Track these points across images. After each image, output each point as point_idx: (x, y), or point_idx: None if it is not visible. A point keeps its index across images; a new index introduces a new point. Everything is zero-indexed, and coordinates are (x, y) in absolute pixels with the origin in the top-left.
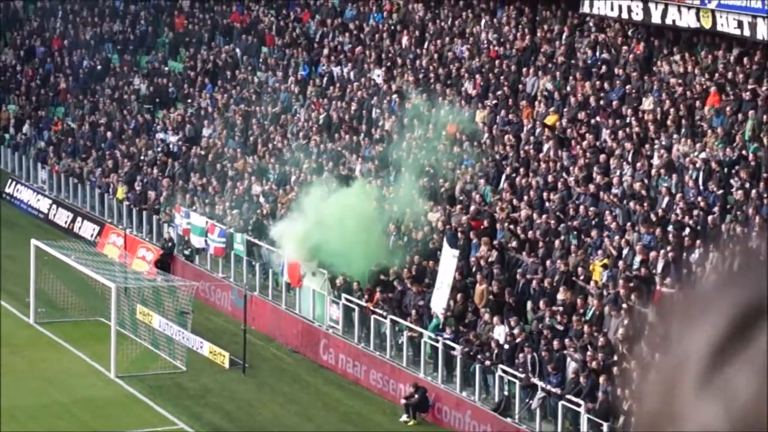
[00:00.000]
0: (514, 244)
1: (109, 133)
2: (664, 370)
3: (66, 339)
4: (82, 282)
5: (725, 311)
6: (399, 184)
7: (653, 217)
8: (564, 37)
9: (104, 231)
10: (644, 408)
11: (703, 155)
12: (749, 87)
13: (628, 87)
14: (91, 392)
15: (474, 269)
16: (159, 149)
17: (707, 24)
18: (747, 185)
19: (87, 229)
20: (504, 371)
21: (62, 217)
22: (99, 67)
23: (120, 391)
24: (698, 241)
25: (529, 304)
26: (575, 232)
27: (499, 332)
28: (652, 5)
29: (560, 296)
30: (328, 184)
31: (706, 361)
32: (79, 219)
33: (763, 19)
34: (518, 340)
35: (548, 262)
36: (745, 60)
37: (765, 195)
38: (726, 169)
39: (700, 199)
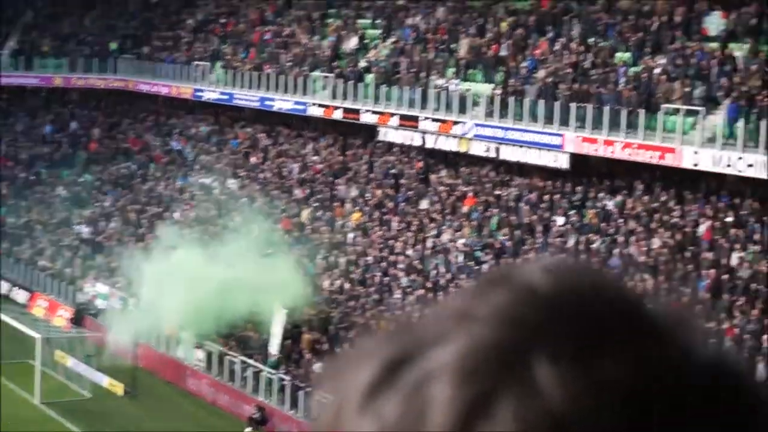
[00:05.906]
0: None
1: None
2: (336, 397)
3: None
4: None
5: (379, 357)
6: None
7: None
8: (367, 156)
9: (33, 297)
10: (319, 425)
11: None
12: None
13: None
14: (19, 413)
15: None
16: (75, 238)
17: None
18: None
19: (21, 296)
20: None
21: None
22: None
23: (42, 413)
24: None
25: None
26: None
27: (318, 367)
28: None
29: None
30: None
31: (363, 392)
32: (15, 288)
33: None
34: None
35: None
36: None
37: None
38: None
39: None
